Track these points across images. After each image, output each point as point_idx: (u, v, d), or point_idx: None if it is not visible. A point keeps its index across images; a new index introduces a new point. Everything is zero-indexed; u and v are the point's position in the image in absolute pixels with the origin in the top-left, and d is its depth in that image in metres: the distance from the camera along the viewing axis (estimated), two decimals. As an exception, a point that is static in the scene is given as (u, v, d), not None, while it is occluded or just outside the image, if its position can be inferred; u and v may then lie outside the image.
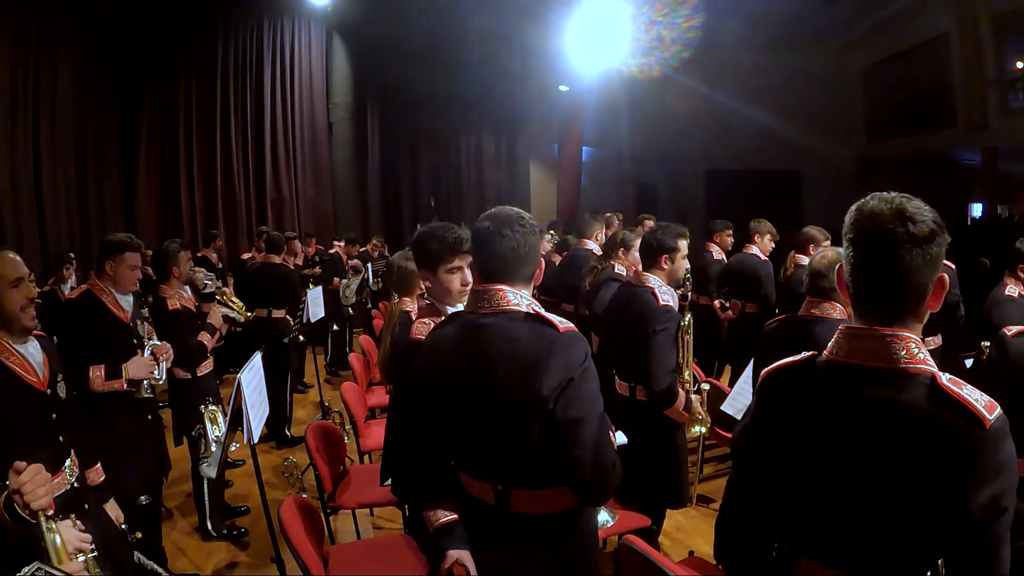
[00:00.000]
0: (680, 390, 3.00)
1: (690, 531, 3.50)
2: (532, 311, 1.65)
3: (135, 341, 3.07)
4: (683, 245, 3.10)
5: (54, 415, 2.10)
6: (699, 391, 3.07)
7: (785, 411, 1.30)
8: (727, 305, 5.54)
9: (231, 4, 10.74)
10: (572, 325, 1.63)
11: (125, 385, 2.94)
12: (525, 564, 1.64)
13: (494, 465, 1.67)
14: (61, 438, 2.11)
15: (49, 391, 2.11)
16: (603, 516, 1.94)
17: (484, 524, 1.69)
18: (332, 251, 8.42)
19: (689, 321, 3.06)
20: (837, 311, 2.47)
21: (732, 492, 1.44)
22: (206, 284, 4.13)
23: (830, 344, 1.26)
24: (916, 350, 1.16)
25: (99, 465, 2.41)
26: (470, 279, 2.31)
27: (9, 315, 2.01)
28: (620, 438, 2.27)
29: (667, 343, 2.93)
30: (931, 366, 1.16)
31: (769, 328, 2.78)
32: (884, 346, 1.17)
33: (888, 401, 1.14)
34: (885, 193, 1.20)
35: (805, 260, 4.58)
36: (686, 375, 3.06)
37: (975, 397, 1.10)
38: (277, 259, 5.70)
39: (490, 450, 1.67)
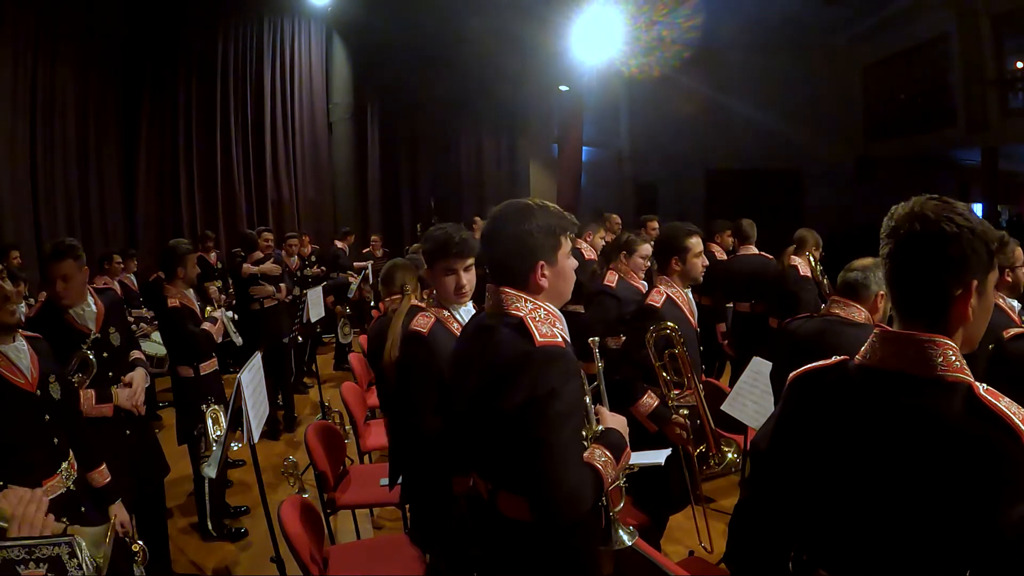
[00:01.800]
0: (649, 397, 2.93)
1: (690, 531, 3.50)
2: (523, 318, 1.56)
3: (104, 354, 2.88)
4: (694, 243, 3.00)
5: (46, 416, 2.04)
6: (678, 412, 2.91)
7: (813, 417, 1.26)
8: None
9: (231, 4, 10.73)
10: (557, 339, 1.53)
11: (113, 411, 2.85)
12: (512, 568, 1.62)
13: (483, 465, 1.68)
14: (56, 440, 2.05)
15: (39, 392, 2.04)
16: (623, 536, 1.85)
17: (480, 520, 1.70)
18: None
19: (676, 333, 2.87)
20: (863, 315, 2.44)
21: (749, 496, 1.41)
22: (210, 310, 4.09)
23: (863, 348, 1.22)
24: (953, 358, 1.12)
25: (103, 467, 2.35)
26: (464, 282, 2.30)
27: None
28: (646, 457, 2.25)
29: (636, 339, 2.91)
30: (968, 375, 1.12)
31: (791, 327, 2.74)
32: (918, 352, 1.12)
33: (922, 409, 1.10)
34: (924, 195, 1.17)
35: (796, 260, 4.58)
36: (669, 391, 2.91)
37: (1013, 410, 1.06)
38: (260, 254, 6.02)
39: (479, 450, 1.68)
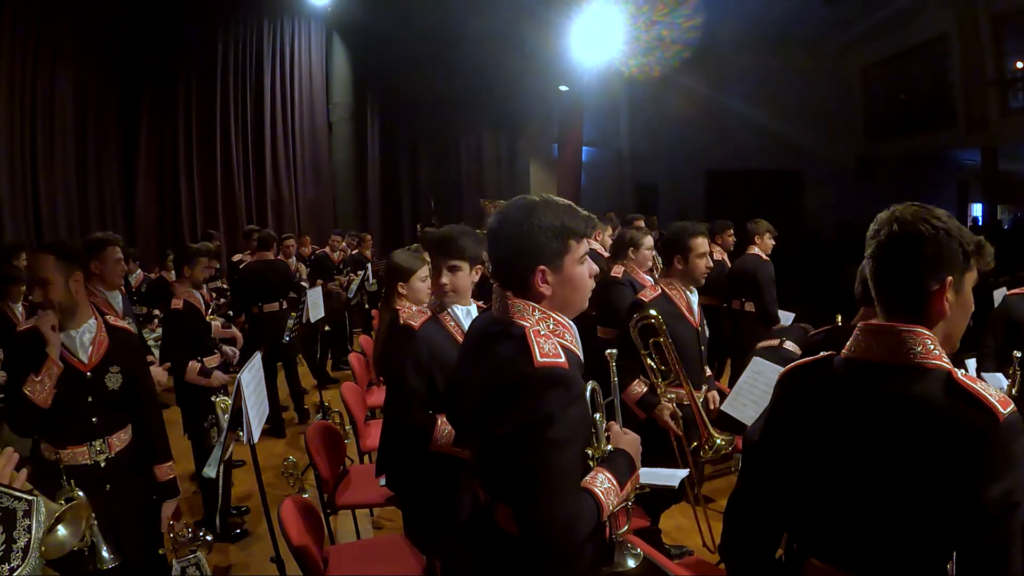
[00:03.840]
0: (639, 385, 3.03)
1: (690, 531, 3.50)
2: (526, 331, 1.43)
3: None
4: (698, 244, 3.04)
5: (89, 397, 2.28)
6: (667, 400, 2.99)
7: (801, 408, 1.32)
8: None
9: (231, 4, 10.74)
10: (559, 359, 1.40)
11: None
12: None
13: (482, 475, 1.59)
14: (95, 419, 2.29)
15: (90, 374, 2.29)
16: (627, 559, 1.80)
17: (479, 526, 1.64)
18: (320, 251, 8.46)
19: (659, 322, 2.90)
20: None
21: (741, 489, 1.44)
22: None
23: (848, 342, 1.29)
24: (932, 346, 1.19)
25: (171, 463, 2.58)
26: (444, 280, 2.35)
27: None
28: (659, 477, 2.25)
29: (623, 330, 3.00)
30: (947, 363, 1.19)
31: (815, 338, 2.70)
32: (899, 342, 1.20)
33: (903, 395, 1.17)
34: (905, 203, 1.26)
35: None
36: (658, 380, 2.97)
37: (990, 392, 1.13)
38: (271, 255, 5.92)
39: (479, 460, 1.60)
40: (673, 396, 3.03)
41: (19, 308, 4.80)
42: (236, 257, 7.76)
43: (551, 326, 1.48)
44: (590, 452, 1.54)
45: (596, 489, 1.46)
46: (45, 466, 2.22)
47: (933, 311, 1.22)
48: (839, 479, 1.23)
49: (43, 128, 8.14)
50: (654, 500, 3.11)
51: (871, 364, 1.23)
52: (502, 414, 1.40)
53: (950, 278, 1.21)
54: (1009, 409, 1.11)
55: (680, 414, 3.00)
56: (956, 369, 1.17)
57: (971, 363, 2.83)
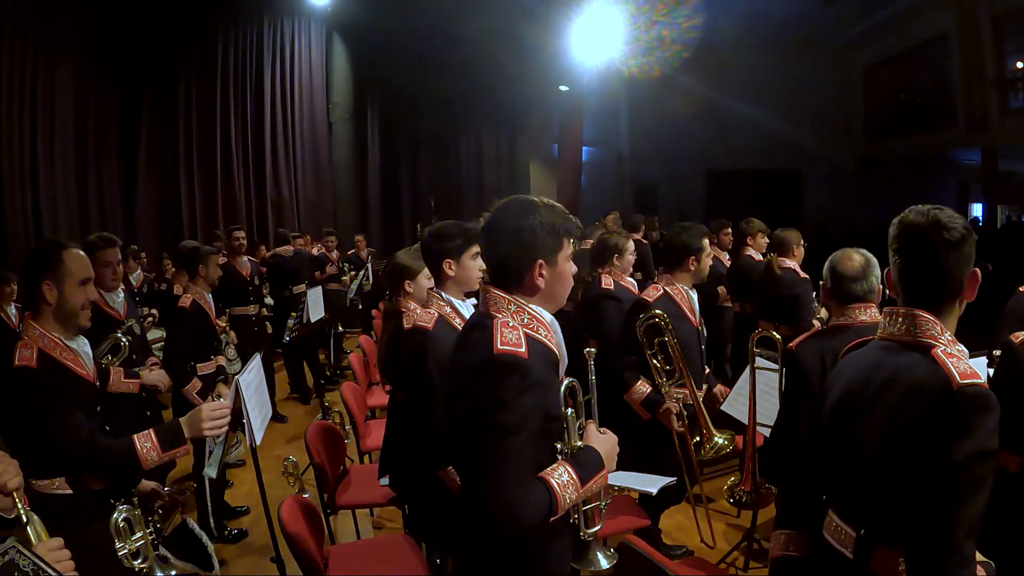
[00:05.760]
0: (643, 384, 3.03)
1: (690, 531, 3.50)
2: (494, 322, 1.49)
3: (131, 339, 3.10)
4: (706, 244, 3.14)
5: (98, 407, 2.21)
6: (672, 398, 2.99)
7: (837, 379, 1.57)
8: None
9: (231, 4, 10.74)
10: (519, 349, 1.45)
11: (139, 388, 3.04)
12: (480, 570, 1.58)
13: (459, 468, 1.69)
14: (107, 428, 2.21)
15: (98, 383, 2.26)
16: (600, 558, 1.79)
17: (459, 519, 1.65)
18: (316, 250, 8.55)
19: (665, 321, 2.92)
20: (875, 309, 2.40)
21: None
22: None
23: (880, 326, 1.50)
24: (929, 327, 1.38)
25: None
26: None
27: (70, 311, 2.07)
28: (638, 482, 2.25)
29: (629, 332, 3.03)
30: (942, 341, 1.36)
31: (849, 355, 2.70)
32: (909, 322, 1.41)
33: (900, 365, 1.39)
34: (920, 206, 1.43)
35: (789, 263, 4.53)
36: (662, 379, 2.98)
37: (960, 368, 1.29)
38: (291, 248, 6.94)
39: (455, 452, 1.66)
40: (680, 396, 3.02)
41: (12, 309, 4.76)
42: (221, 261, 7.79)
43: (524, 319, 1.54)
44: (559, 446, 1.56)
45: (552, 480, 1.46)
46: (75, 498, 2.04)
47: (957, 303, 1.42)
48: (848, 437, 1.45)
49: (43, 128, 8.14)
50: (654, 500, 3.12)
51: (887, 342, 1.46)
52: (460, 397, 1.50)
53: (976, 270, 1.41)
54: (968, 381, 1.26)
55: (685, 413, 3.01)
56: (941, 345, 1.36)
57: (981, 361, 2.79)
